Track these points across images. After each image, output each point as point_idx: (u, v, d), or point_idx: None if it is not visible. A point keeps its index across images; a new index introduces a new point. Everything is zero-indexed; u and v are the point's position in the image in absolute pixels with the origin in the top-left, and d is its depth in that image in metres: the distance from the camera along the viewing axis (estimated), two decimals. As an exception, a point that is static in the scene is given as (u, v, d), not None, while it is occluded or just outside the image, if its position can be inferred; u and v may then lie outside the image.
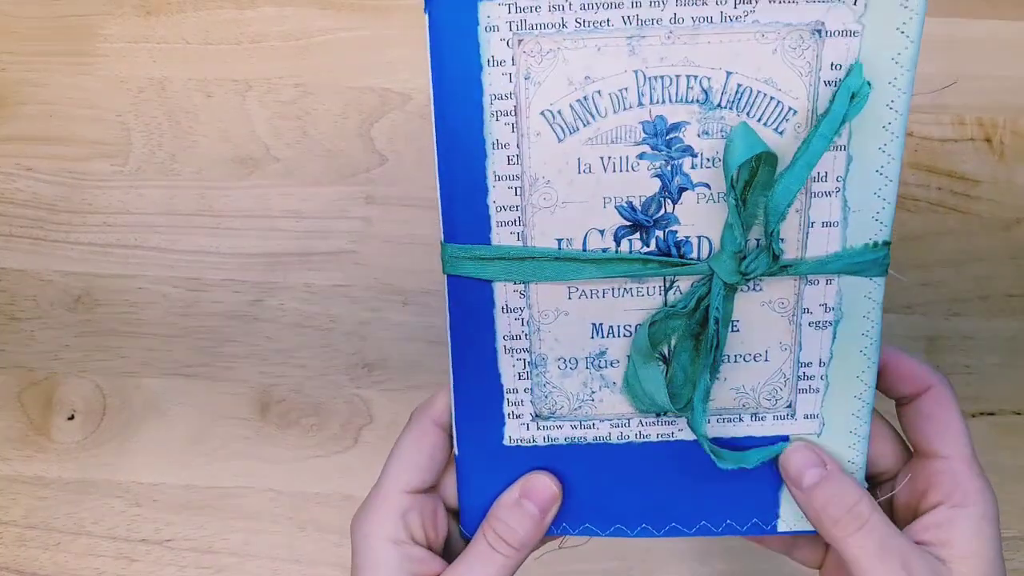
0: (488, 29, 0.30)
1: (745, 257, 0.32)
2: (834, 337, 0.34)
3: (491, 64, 0.31)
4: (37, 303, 0.54)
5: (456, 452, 0.35)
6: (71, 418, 0.53)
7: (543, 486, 0.35)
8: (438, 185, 0.32)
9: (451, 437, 0.36)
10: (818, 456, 0.33)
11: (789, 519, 0.36)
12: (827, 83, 0.31)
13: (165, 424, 0.53)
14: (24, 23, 0.55)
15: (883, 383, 0.35)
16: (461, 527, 0.36)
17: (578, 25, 0.30)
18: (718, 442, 0.35)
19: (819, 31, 0.30)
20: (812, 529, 0.35)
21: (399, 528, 0.34)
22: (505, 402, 0.35)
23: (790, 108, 0.31)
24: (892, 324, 0.52)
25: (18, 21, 0.55)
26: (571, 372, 0.34)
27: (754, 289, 0.33)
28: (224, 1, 0.55)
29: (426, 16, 0.30)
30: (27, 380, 0.54)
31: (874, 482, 0.37)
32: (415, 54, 0.54)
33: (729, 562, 0.51)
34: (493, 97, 0.31)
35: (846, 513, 0.32)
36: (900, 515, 0.35)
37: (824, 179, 0.32)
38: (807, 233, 0.33)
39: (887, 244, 0.33)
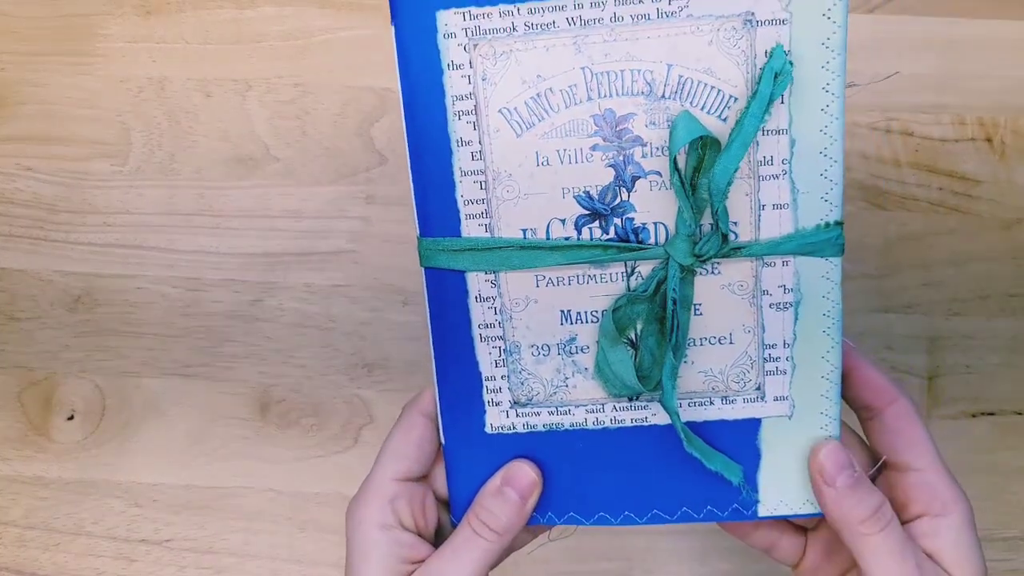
0: (446, 36, 0.33)
1: (699, 240, 0.34)
2: (796, 318, 0.35)
3: (451, 68, 0.33)
4: (37, 303, 0.54)
5: (443, 441, 0.37)
6: (71, 418, 0.53)
7: (523, 474, 0.36)
8: (411, 183, 0.35)
9: (438, 428, 0.37)
10: (848, 458, 0.34)
11: (769, 504, 0.37)
12: (761, 69, 0.33)
13: (165, 424, 0.53)
14: (24, 23, 0.55)
15: (848, 391, 0.36)
16: (451, 516, 0.38)
17: (527, 28, 0.33)
18: (691, 426, 0.36)
19: (750, 21, 0.32)
20: (791, 514, 0.37)
21: (387, 514, 0.35)
22: (484, 389, 0.36)
23: (730, 96, 0.33)
24: (892, 324, 0.52)
25: (18, 21, 0.55)
26: (544, 359, 0.36)
27: (713, 272, 0.35)
28: (224, 1, 0.55)
29: (392, 27, 0.33)
30: (27, 380, 0.53)
31: None
32: (415, 54, 0.54)
33: (729, 562, 0.51)
34: (455, 98, 0.33)
35: (872, 514, 0.33)
36: None
37: (770, 162, 0.33)
38: (759, 216, 0.34)
39: (839, 224, 0.34)
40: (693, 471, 0.36)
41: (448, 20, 0.33)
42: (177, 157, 0.54)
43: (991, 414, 0.52)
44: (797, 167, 0.33)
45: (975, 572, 0.34)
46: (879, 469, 0.36)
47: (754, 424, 0.36)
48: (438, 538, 0.37)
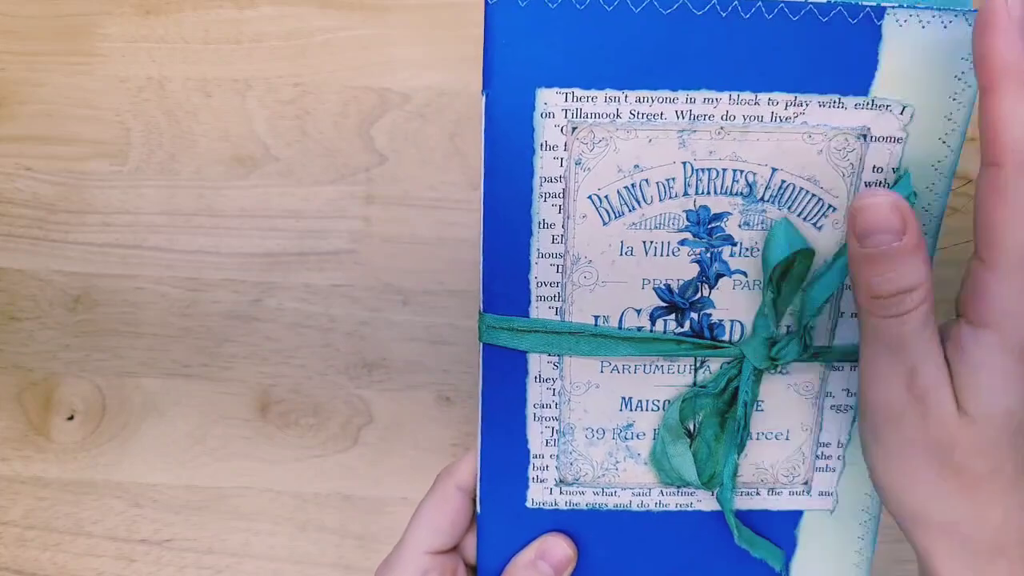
0: (544, 115, 0.31)
1: (776, 343, 0.33)
2: (854, 420, 0.35)
3: (544, 148, 0.31)
4: (36, 303, 0.54)
5: (479, 511, 0.36)
6: (71, 418, 0.53)
7: (559, 548, 0.35)
8: (482, 258, 0.33)
9: (473, 501, 0.36)
10: (901, 221, 0.27)
11: None
12: (867, 183, 0.32)
13: (165, 424, 0.53)
14: (23, 22, 0.55)
15: None
16: None
17: (632, 116, 0.31)
18: (735, 513, 0.36)
19: (865, 136, 0.31)
20: None
21: None
22: (531, 467, 0.35)
23: (830, 205, 0.32)
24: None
25: (17, 20, 0.55)
26: (598, 442, 0.35)
27: (781, 372, 0.34)
28: (224, 1, 0.54)
29: (483, 97, 0.31)
30: (26, 380, 0.53)
31: None
32: (415, 54, 0.53)
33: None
34: (543, 179, 0.32)
35: (893, 295, 0.28)
36: None
37: None
38: (836, 322, 0.33)
39: None
40: (728, 556, 0.36)
41: (548, 99, 0.31)
42: (177, 157, 0.54)
43: (991, 414, 0.52)
44: None
45: (991, 410, 0.28)
46: None
47: (796, 515, 0.36)
48: None
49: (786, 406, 0.35)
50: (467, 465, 0.36)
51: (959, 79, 0.30)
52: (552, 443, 0.35)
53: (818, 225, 0.32)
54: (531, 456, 0.35)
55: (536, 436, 0.35)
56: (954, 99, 0.30)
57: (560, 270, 0.33)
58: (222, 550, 0.52)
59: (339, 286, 0.53)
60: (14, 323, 0.54)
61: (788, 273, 0.32)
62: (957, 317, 0.31)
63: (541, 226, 0.32)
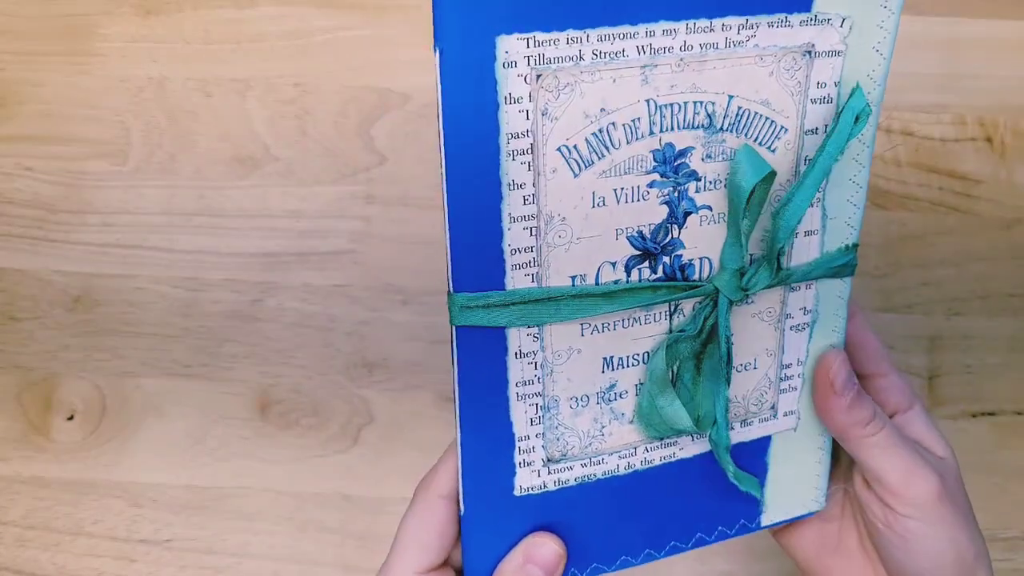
0: (506, 65, 0.28)
1: (745, 273, 0.33)
2: (810, 337, 0.35)
3: (508, 101, 0.29)
4: (36, 303, 0.54)
5: (462, 511, 0.34)
6: (70, 418, 0.53)
7: (547, 549, 0.34)
8: (448, 233, 0.30)
9: (459, 499, 0.34)
10: (849, 367, 0.36)
11: (771, 513, 0.37)
12: (813, 101, 0.32)
13: (165, 424, 0.53)
14: (23, 23, 0.55)
15: None
16: None
17: (595, 57, 0.29)
18: (712, 455, 0.35)
19: (810, 52, 0.31)
20: (789, 518, 0.37)
21: None
22: (516, 451, 0.34)
23: (782, 127, 0.32)
24: (892, 324, 0.52)
25: (17, 21, 0.55)
26: (582, 410, 0.34)
27: (747, 302, 0.34)
28: (224, 1, 0.54)
29: (436, 54, 0.28)
30: (26, 380, 0.53)
31: None
32: (415, 53, 0.54)
33: (729, 562, 0.51)
34: (510, 136, 0.29)
35: (873, 416, 0.35)
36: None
37: None
38: (792, 243, 0.34)
39: (856, 246, 0.34)
40: (707, 496, 0.36)
41: (510, 47, 0.28)
42: (177, 157, 0.54)
43: (991, 414, 0.52)
44: (829, 195, 0.33)
45: (946, 447, 0.37)
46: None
47: (765, 441, 0.36)
48: None
49: (752, 335, 0.35)
50: (445, 471, 0.34)
51: None
52: (537, 421, 0.33)
53: (772, 148, 0.32)
54: (516, 439, 0.33)
55: (520, 416, 0.33)
56: (884, 6, 0.31)
57: (534, 233, 0.31)
58: (222, 550, 0.52)
59: (339, 286, 0.53)
60: (14, 323, 0.54)
61: (750, 200, 0.32)
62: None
63: (511, 187, 0.30)
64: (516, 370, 0.32)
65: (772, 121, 0.32)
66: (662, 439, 0.35)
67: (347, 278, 0.53)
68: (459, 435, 0.33)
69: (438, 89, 0.29)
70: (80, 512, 0.52)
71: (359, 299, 0.53)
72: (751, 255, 0.33)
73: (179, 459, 0.52)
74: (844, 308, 0.35)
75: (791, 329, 0.35)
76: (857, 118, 0.31)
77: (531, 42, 0.28)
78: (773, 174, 0.31)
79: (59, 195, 0.54)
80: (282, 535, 0.52)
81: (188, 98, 0.54)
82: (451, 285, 0.31)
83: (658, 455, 0.35)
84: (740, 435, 0.36)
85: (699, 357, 0.34)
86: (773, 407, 0.36)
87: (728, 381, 0.34)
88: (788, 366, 0.36)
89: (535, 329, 0.32)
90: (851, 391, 0.35)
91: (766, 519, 0.37)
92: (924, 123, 0.53)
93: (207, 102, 0.54)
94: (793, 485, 0.37)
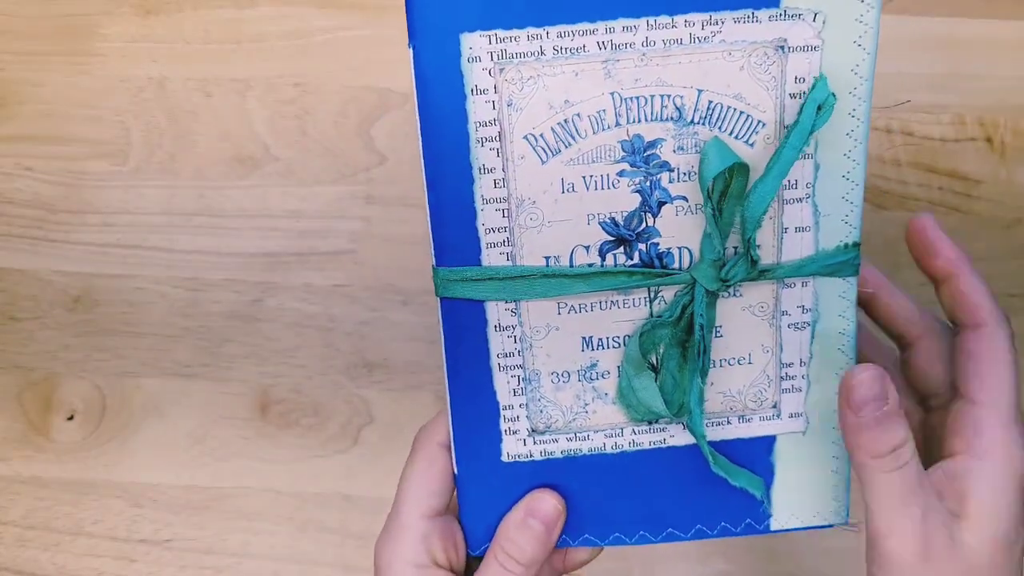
0: (471, 60, 0.31)
1: (724, 264, 0.33)
2: (812, 337, 0.35)
3: (475, 93, 0.32)
4: (36, 303, 0.54)
5: (455, 471, 0.36)
6: (71, 418, 0.53)
7: (547, 504, 0.36)
8: (428, 211, 0.33)
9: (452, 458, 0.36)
10: (884, 390, 0.31)
11: (781, 518, 0.37)
12: (792, 95, 0.32)
13: (165, 424, 0.53)
14: (23, 22, 0.55)
15: (947, 303, 0.35)
16: (467, 546, 0.37)
17: (556, 52, 0.31)
18: (710, 446, 0.36)
19: (782, 47, 0.32)
20: (802, 527, 0.37)
21: (421, 553, 0.35)
22: (501, 419, 0.36)
23: (759, 121, 0.33)
24: (892, 324, 0.52)
25: (17, 20, 0.55)
26: (564, 385, 0.36)
27: (735, 295, 0.35)
28: (224, 1, 0.54)
29: (410, 50, 0.31)
30: (26, 380, 0.53)
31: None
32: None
33: (729, 562, 0.51)
34: (478, 124, 0.32)
35: (890, 451, 0.31)
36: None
37: (795, 187, 0.33)
38: (782, 239, 0.34)
39: (857, 245, 0.34)
40: (708, 489, 0.36)
41: (473, 43, 0.31)
42: (177, 157, 0.54)
43: (991, 414, 0.52)
44: (820, 191, 0.33)
45: (1003, 530, 0.31)
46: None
47: (769, 441, 0.36)
48: (467, 573, 0.37)
49: (744, 329, 0.35)
50: (444, 422, 0.36)
51: None
52: (520, 392, 0.35)
53: (750, 142, 0.33)
54: (500, 408, 0.36)
55: (503, 386, 0.35)
56: (863, 1, 0.32)
57: (506, 214, 0.33)
58: (222, 550, 0.52)
59: (339, 286, 0.53)
60: (14, 323, 0.54)
61: (727, 192, 0.32)
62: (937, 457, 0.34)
63: (482, 172, 0.33)
64: (496, 342, 0.35)
65: (747, 115, 0.32)
66: (649, 423, 0.36)
67: (347, 278, 0.53)
68: (449, 401, 0.35)
69: (413, 82, 0.32)
70: (80, 512, 0.52)
71: (359, 299, 0.53)
72: (735, 248, 0.34)
73: (179, 459, 0.52)
74: (851, 310, 0.35)
75: (789, 327, 0.35)
76: (820, 107, 0.32)
77: (493, 39, 0.31)
78: (744, 166, 0.32)
79: (59, 195, 0.54)
80: (282, 535, 0.52)
81: (188, 98, 0.54)
82: (434, 260, 0.34)
83: (647, 439, 0.36)
84: (739, 431, 0.36)
85: (684, 346, 0.35)
86: (775, 406, 0.36)
87: (704, 372, 0.34)
88: (789, 365, 0.36)
89: (512, 304, 0.34)
90: (873, 413, 0.31)
91: (776, 523, 0.37)
92: (924, 123, 0.53)
93: (207, 102, 0.54)
94: (805, 492, 0.37)
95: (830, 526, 0.37)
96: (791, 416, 0.36)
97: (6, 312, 0.54)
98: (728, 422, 0.36)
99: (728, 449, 0.36)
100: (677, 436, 0.36)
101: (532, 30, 0.31)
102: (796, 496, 0.37)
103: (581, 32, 0.31)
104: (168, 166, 0.54)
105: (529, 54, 0.31)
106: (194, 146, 0.54)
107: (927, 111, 0.53)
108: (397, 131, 0.53)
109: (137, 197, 0.54)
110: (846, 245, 0.34)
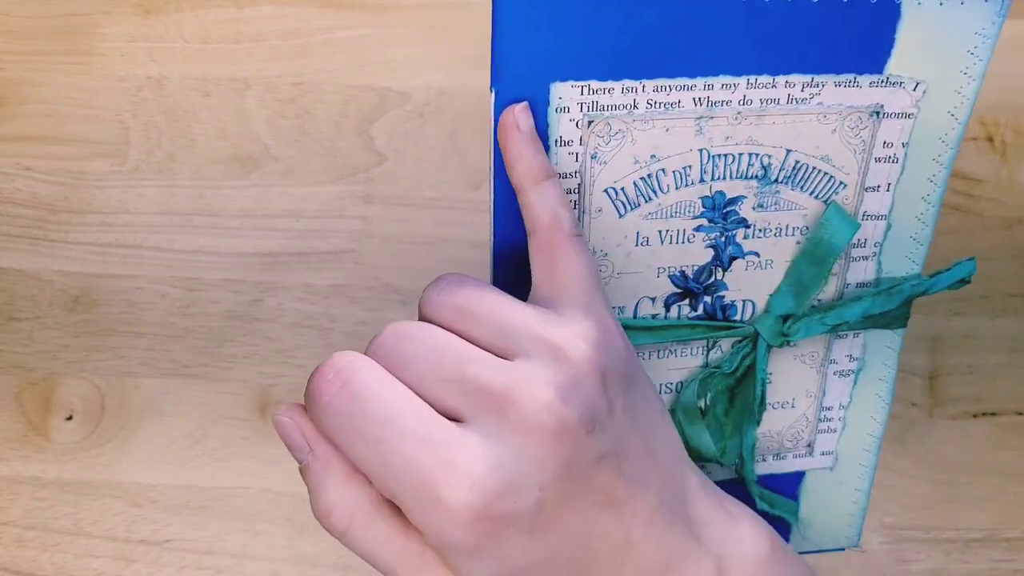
0: (559, 110, 0.29)
1: (787, 319, 0.33)
2: (855, 383, 0.35)
3: (558, 144, 0.30)
4: (35, 303, 0.54)
5: None
6: (69, 418, 0.53)
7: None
8: (491, 261, 0.32)
9: None
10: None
11: (799, 544, 0.37)
12: (877, 159, 0.32)
13: (164, 424, 0.53)
14: (22, 22, 0.55)
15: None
16: None
17: (649, 107, 0.30)
18: (743, 480, 0.36)
19: (878, 113, 0.31)
20: (815, 550, 0.37)
21: None
22: None
23: (841, 182, 0.32)
24: (893, 324, 0.52)
25: (16, 20, 0.55)
26: None
27: (789, 344, 0.34)
28: (223, 0, 0.54)
29: (492, 94, 0.29)
30: (25, 380, 0.53)
31: None
32: (415, 53, 0.53)
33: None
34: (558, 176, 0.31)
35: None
36: None
37: (863, 245, 0.33)
38: (843, 294, 0.34)
39: (910, 301, 0.34)
40: None
41: (563, 93, 0.29)
42: (176, 157, 0.54)
43: (993, 414, 0.52)
44: (887, 250, 0.33)
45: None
46: None
47: (798, 476, 0.37)
48: None
49: (792, 376, 0.35)
50: None
51: (972, 54, 0.31)
52: None
53: (827, 202, 0.32)
54: None
55: None
56: (965, 73, 0.31)
57: None
58: (222, 550, 0.52)
59: (339, 286, 0.53)
60: (14, 323, 0.54)
61: (807, 252, 0.33)
62: None
63: None
64: None
65: (831, 176, 0.32)
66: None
67: (347, 278, 0.53)
68: None
69: (492, 128, 0.29)
70: (79, 512, 0.52)
71: (359, 299, 0.53)
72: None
73: (179, 459, 0.52)
74: (894, 359, 0.35)
75: (835, 374, 0.35)
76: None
77: (585, 90, 0.29)
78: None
79: (59, 195, 0.54)
80: (282, 536, 0.52)
81: (187, 97, 0.54)
82: None
83: None
84: (772, 467, 0.36)
85: (733, 391, 0.34)
86: (809, 445, 0.36)
87: (758, 422, 0.34)
88: (829, 408, 0.36)
89: None
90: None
91: (794, 548, 0.37)
92: (925, 122, 0.53)
93: (206, 102, 0.54)
94: (826, 520, 0.37)
95: (842, 549, 0.37)
96: (822, 454, 0.36)
97: (5, 312, 0.54)
98: (763, 459, 0.36)
99: (760, 481, 0.36)
100: (715, 472, 0.36)
101: (628, 83, 0.29)
102: (816, 524, 0.37)
103: (678, 87, 0.30)
104: (167, 166, 0.54)
105: (622, 107, 0.30)
106: (193, 146, 0.54)
107: (928, 110, 0.53)
108: (397, 131, 0.53)
109: (136, 197, 0.54)
110: (901, 301, 0.34)
